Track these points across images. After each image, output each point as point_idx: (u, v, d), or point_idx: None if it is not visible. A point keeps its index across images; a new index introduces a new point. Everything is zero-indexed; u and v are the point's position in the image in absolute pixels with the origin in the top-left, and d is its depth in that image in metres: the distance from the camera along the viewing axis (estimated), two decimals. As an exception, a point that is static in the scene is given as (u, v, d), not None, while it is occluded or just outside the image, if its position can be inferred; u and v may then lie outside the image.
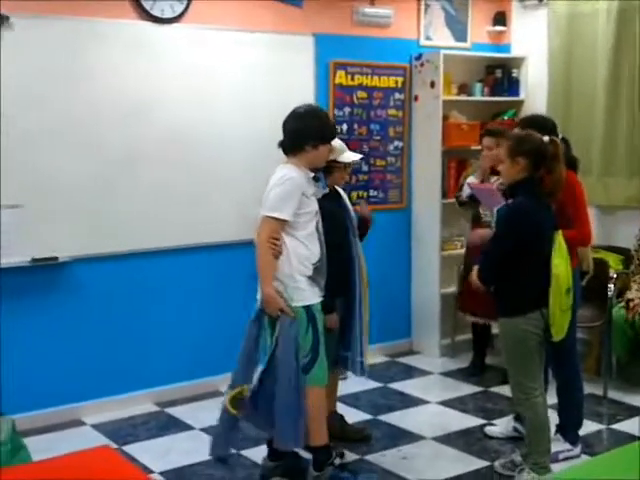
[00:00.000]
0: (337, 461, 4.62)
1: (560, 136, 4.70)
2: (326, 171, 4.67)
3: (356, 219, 4.87)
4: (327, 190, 4.67)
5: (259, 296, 4.36)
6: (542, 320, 4.26)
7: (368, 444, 5.09)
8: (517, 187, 4.29)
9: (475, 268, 4.44)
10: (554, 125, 4.82)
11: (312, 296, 4.35)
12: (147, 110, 5.57)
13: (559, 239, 4.25)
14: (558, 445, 4.76)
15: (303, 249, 4.31)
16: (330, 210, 4.61)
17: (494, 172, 6.02)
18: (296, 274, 4.29)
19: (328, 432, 4.63)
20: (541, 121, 4.83)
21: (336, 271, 4.54)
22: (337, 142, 4.74)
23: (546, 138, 4.26)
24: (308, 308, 4.32)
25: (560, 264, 4.20)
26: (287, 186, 4.26)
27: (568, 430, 4.87)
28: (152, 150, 5.62)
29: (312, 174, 4.42)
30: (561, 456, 4.73)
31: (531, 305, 4.26)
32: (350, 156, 4.79)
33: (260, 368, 4.34)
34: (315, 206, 4.40)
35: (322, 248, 4.39)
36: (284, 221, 4.26)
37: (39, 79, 5.18)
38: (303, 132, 4.35)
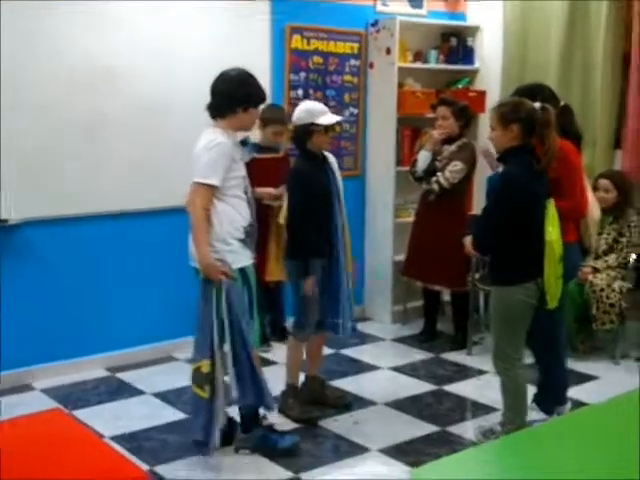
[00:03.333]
0: (265, 422, 4.63)
1: (562, 103, 4.68)
2: (306, 134, 4.71)
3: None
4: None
5: (196, 265, 4.31)
6: (536, 289, 4.27)
7: (345, 411, 5.10)
8: (508, 155, 4.28)
9: (468, 238, 4.46)
10: (552, 92, 4.74)
11: (245, 258, 4.36)
12: (106, 78, 5.49)
13: (551, 207, 4.24)
14: (533, 414, 4.76)
15: (234, 213, 4.30)
16: (304, 170, 4.72)
17: (445, 142, 6.09)
18: (228, 238, 4.28)
19: (309, 396, 4.84)
20: (537, 89, 4.70)
21: (311, 233, 4.63)
22: (316, 104, 4.87)
23: (537, 105, 4.23)
24: (242, 270, 4.33)
25: (553, 232, 4.20)
26: (215, 151, 4.23)
27: (545, 400, 4.89)
28: (111, 116, 5.54)
29: (239, 138, 4.43)
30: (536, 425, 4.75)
31: (526, 275, 4.26)
32: (327, 119, 4.77)
33: (227, 348, 4.29)
34: (243, 170, 4.40)
35: (252, 212, 4.40)
36: (215, 187, 4.23)
37: (2, 48, 5.06)
38: (235, 95, 4.32)
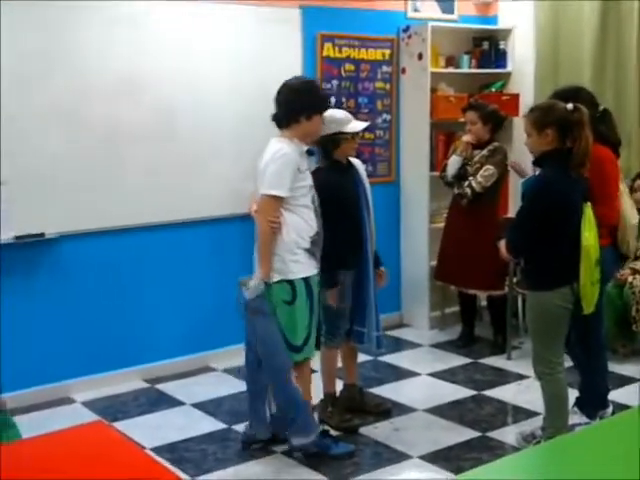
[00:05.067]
0: (319, 428, 4.65)
1: (601, 108, 4.62)
2: (334, 143, 4.70)
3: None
4: (319, 164, 4.68)
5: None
6: (572, 295, 4.21)
7: (384, 418, 5.09)
8: (544, 158, 4.22)
9: (502, 241, 4.43)
10: (590, 95, 4.65)
11: (310, 268, 4.41)
12: (133, 86, 5.50)
13: (588, 211, 4.17)
14: (575, 418, 4.71)
15: (301, 223, 4.35)
16: (332, 181, 4.69)
17: (476, 146, 6.08)
18: (294, 247, 4.33)
19: (349, 404, 4.95)
20: (574, 92, 4.57)
21: (340, 244, 4.62)
22: (342, 113, 4.84)
23: (570, 105, 4.16)
24: (307, 280, 4.38)
25: (590, 236, 4.13)
26: (282, 162, 4.27)
27: (587, 404, 4.82)
28: (139, 125, 5.55)
29: (305, 147, 4.43)
30: (578, 429, 4.61)
31: (561, 280, 4.20)
32: (355, 126, 4.78)
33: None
34: (310, 180, 4.42)
35: (319, 221, 4.42)
36: (283, 198, 4.27)
37: (24, 58, 5.10)
38: (297, 103, 4.36)
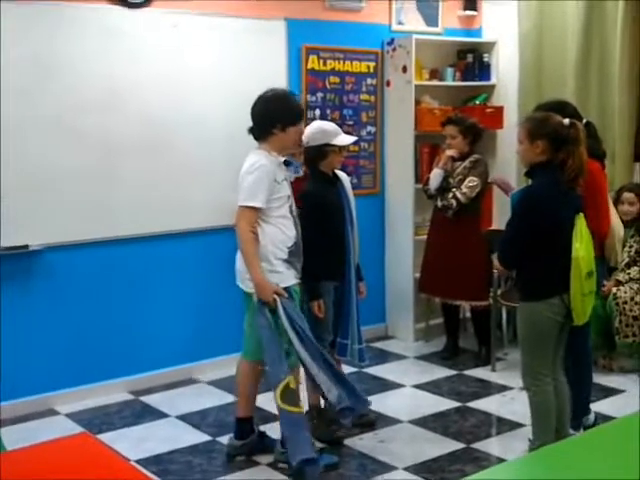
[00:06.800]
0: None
1: (584, 121, 4.65)
2: (321, 155, 4.74)
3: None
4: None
5: (251, 286, 4.34)
6: (563, 306, 4.20)
7: (368, 429, 5.09)
8: (535, 170, 4.24)
9: (495, 255, 4.45)
10: (575, 110, 4.70)
11: (289, 278, 4.42)
12: (120, 96, 5.51)
13: (580, 222, 4.17)
14: None
15: (278, 233, 4.38)
16: (317, 193, 4.74)
17: (456, 159, 6.12)
18: (272, 258, 4.36)
19: (333, 415, 4.79)
20: (559, 106, 4.62)
21: (324, 255, 4.64)
22: (330, 125, 4.87)
23: (566, 121, 4.17)
24: (286, 290, 4.38)
25: (580, 248, 4.13)
26: (257, 174, 4.31)
27: (573, 415, 4.75)
28: (126, 137, 5.56)
29: (282, 159, 4.47)
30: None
31: (551, 291, 4.20)
32: (343, 139, 4.82)
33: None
34: (287, 190, 4.45)
35: (297, 231, 4.45)
36: (259, 209, 4.29)
37: (7, 67, 5.08)
38: (270, 116, 4.39)
